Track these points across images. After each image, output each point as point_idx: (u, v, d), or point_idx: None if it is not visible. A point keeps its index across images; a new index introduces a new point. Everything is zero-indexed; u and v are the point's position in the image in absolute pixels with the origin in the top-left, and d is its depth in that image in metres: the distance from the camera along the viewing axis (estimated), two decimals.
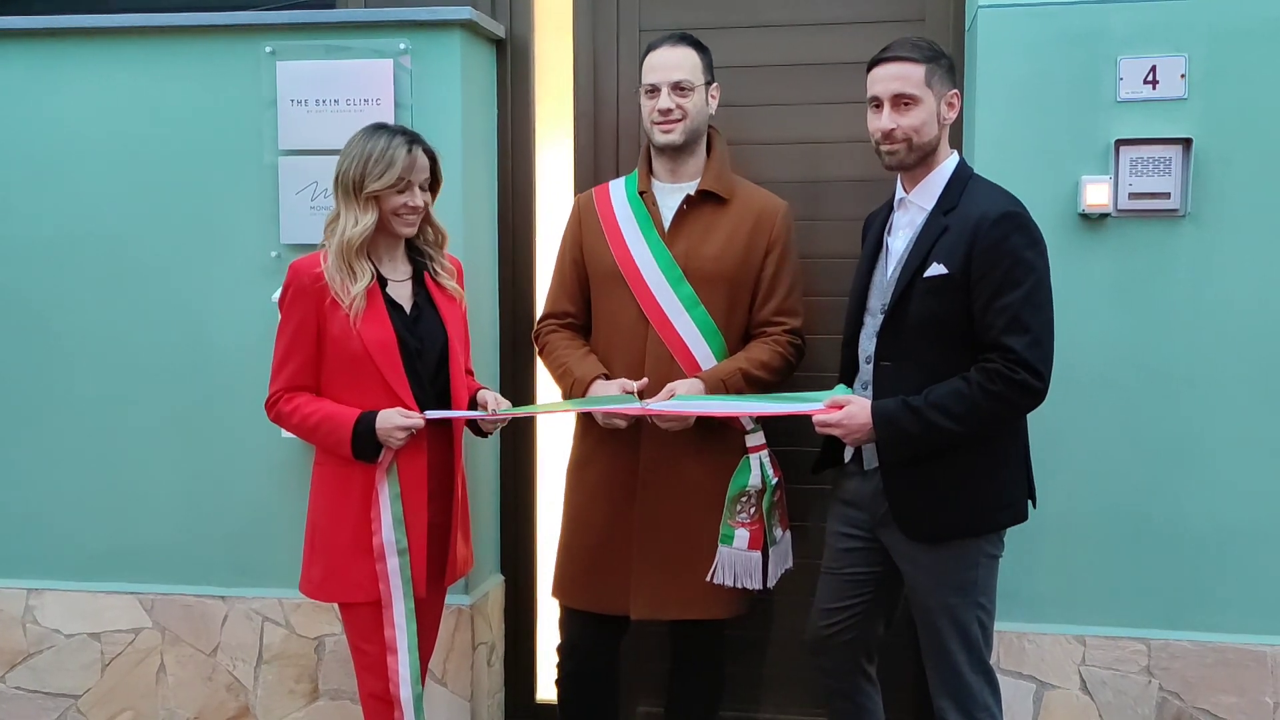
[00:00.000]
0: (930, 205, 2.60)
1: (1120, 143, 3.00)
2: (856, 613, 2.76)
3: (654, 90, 2.90)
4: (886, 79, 2.57)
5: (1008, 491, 2.62)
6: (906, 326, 2.55)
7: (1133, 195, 3.00)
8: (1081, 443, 3.06)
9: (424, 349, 2.71)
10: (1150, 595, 3.09)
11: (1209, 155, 2.98)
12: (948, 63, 2.61)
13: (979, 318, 2.49)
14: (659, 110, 2.89)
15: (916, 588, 2.64)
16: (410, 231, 2.71)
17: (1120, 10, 3.00)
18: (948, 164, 2.63)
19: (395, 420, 2.60)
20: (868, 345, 2.66)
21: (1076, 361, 2.96)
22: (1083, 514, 3.08)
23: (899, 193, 2.69)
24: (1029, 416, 2.62)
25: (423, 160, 2.67)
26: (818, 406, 2.60)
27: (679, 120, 2.89)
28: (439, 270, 2.78)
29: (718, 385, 2.84)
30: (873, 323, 2.65)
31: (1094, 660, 3.11)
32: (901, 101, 2.55)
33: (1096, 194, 3.00)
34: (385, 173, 2.60)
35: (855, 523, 2.73)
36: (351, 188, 2.62)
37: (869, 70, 2.63)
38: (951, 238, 2.52)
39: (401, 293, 2.73)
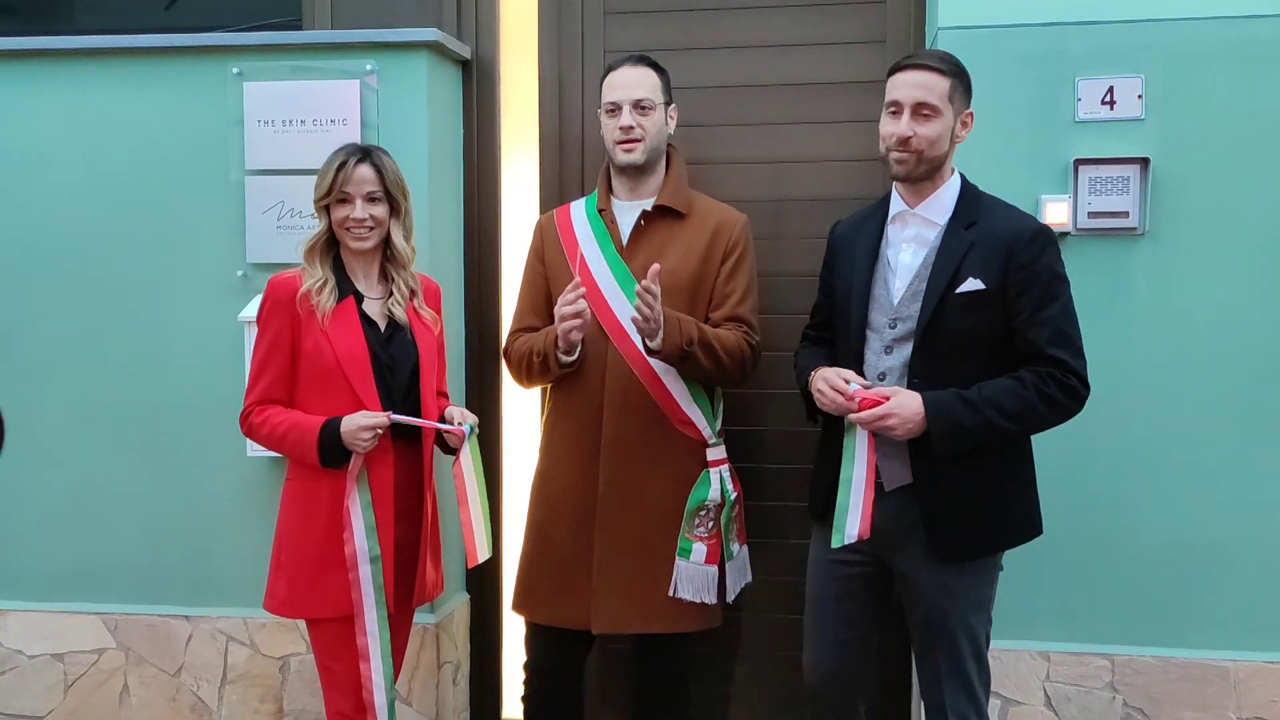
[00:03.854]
0: (943, 220, 2.56)
1: (1079, 162, 3.03)
2: (866, 640, 2.72)
3: (615, 109, 2.92)
4: (911, 85, 2.51)
5: (1024, 507, 2.62)
6: (943, 343, 2.50)
7: (1091, 214, 3.03)
8: (1043, 459, 3.04)
9: (395, 366, 2.72)
10: (1114, 611, 3.11)
11: (1166, 174, 3.02)
12: (968, 81, 2.56)
13: (1021, 332, 2.49)
14: (620, 128, 2.90)
15: (937, 609, 2.56)
16: (362, 246, 2.71)
17: (1078, 32, 3.04)
18: (954, 179, 2.60)
19: (359, 421, 2.60)
20: (877, 362, 2.59)
21: None
22: (1046, 530, 3.07)
23: (896, 205, 2.62)
24: None
25: (362, 173, 2.68)
26: (852, 406, 2.48)
27: (640, 140, 2.90)
28: (402, 289, 2.79)
29: (671, 318, 2.77)
30: (878, 339, 2.59)
31: (1058, 676, 3.12)
32: (922, 111, 2.50)
33: (1056, 213, 3.03)
34: (320, 183, 2.70)
35: (854, 547, 2.60)
36: (313, 200, 2.74)
37: (891, 74, 2.57)
38: (982, 253, 2.50)
39: (377, 310, 2.74)
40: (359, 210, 2.68)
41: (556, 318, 2.79)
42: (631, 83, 2.92)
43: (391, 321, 2.75)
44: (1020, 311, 2.48)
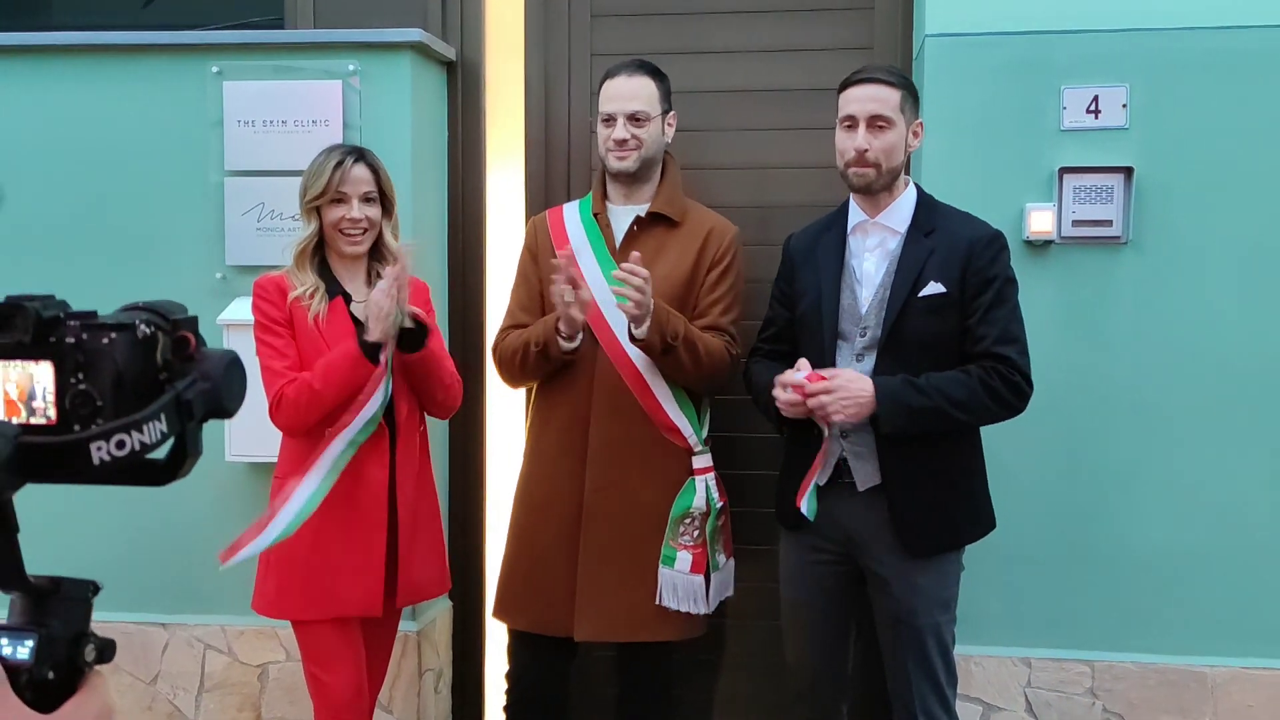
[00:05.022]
0: (903, 228, 2.62)
1: (1064, 171, 3.05)
2: (845, 638, 2.76)
3: (610, 119, 2.88)
4: (864, 99, 2.58)
5: (980, 502, 2.69)
6: (907, 346, 2.57)
7: (1076, 222, 3.05)
8: (1026, 466, 3.10)
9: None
10: (1094, 617, 3.13)
11: (1150, 183, 3.04)
12: (915, 92, 2.66)
13: (973, 330, 2.56)
14: (614, 140, 2.87)
15: (906, 609, 2.60)
16: (356, 250, 2.69)
17: (1063, 41, 3.05)
18: (911, 188, 2.68)
19: (375, 300, 2.52)
20: (848, 368, 2.62)
21: None
22: (1027, 537, 3.11)
23: (856, 215, 2.67)
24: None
25: (359, 173, 2.66)
26: (799, 377, 2.51)
27: (634, 150, 2.88)
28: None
29: (661, 309, 2.75)
30: (849, 347, 2.63)
31: (1039, 682, 3.14)
32: (877, 123, 2.56)
33: (1040, 221, 3.05)
34: (315, 182, 2.66)
35: (825, 549, 2.67)
36: (300, 201, 2.69)
37: (842, 90, 2.63)
38: (942, 258, 2.57)
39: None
40: (355, 210, 2.65)
41: (556, 297, 2.72)
42: (627, 94, 2.88)
43: None
44: (974, 312, 2.56)
